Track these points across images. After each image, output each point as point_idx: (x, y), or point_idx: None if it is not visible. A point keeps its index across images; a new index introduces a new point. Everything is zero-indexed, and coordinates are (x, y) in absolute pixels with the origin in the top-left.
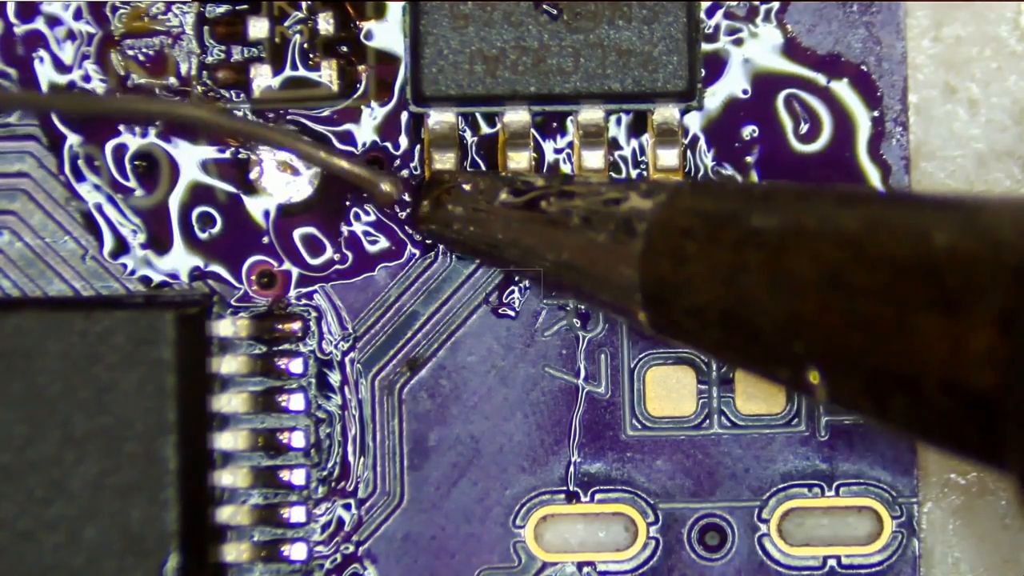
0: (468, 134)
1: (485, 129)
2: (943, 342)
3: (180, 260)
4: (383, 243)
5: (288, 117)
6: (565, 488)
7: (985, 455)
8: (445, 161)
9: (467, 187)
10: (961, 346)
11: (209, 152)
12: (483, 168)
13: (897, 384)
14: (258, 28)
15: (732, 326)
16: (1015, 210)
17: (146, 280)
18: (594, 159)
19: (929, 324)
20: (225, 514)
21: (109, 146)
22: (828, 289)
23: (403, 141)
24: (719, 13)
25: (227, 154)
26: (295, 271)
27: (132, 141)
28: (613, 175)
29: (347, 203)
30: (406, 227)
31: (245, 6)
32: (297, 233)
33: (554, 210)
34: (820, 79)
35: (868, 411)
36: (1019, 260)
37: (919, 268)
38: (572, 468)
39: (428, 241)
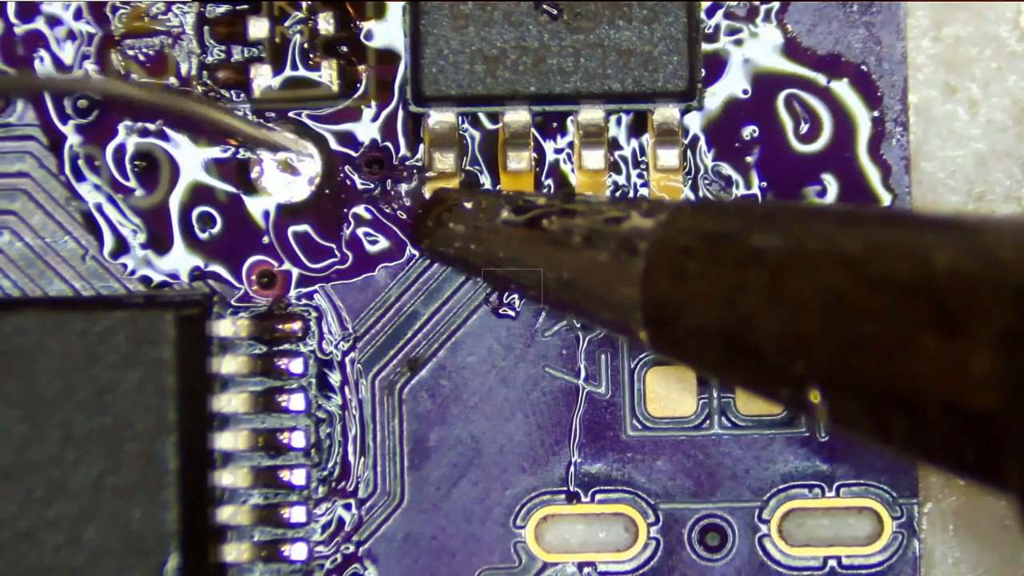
0: (470, 130)
1: (486, 126)
2: (944, 363)
3: (180, 260)
4: (383, 243)
5: (287, 117)
6: (565, 488)
7: (986, 476)
8: (445, 161)
9: (468, 205)
10: (962, 367)
11: (210, 152)
12: (484, 168)
13: (898, 405)
14: (258, 28)
15: (733, 346)
16: (1017, 231)
17: (146, 280)
18: (594, 159)
19: (930, 345)
20: (225, 514)
21: (109, 146)
22: (829, 309)
23: (403, 141)
24: (719, 13)
25: (228, 154)
26: (295, 271)
27: (132, 141)
28: (614, 176)
29: (345, 207)
30: (407, 227)
31: (245, 6)
32: (297, 233)
33: (555, 229)
34: (820, 79)
35: (869, 432)
36: (1021, 281)
37: (920, 289)
38: (572, 468)
39: (431, 258)
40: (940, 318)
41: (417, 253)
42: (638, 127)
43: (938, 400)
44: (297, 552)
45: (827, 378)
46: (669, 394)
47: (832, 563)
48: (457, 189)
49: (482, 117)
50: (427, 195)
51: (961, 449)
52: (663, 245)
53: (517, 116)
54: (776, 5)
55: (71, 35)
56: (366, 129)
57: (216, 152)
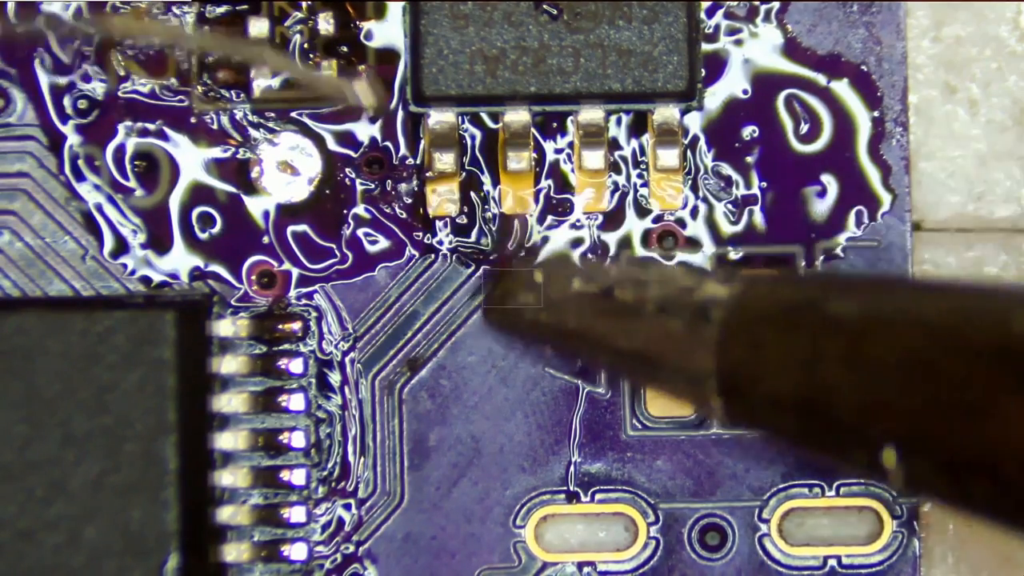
0: (470, 130)
1: (487, 126)
2: None
3: (180, 260)
4: (383, 243)
5: (288, 117)
6: (565, 488)
7: None
8: (445, 161)
9: (538, 277)
10: None
11: (210, 152)
12: (484, 168)
13: (977, 467)
14: (258, 28)
15: (809, 413)
16: None
17: (146, 280)
18: (594, 159)
19: (1010, 407)
20: (225, 514)
21: (109, 146)
22: (908, 375)
23: (403, 141)
24: (719, 13)
25: (227, 154)
26: (295, 271)
27: (132, 141)
28: (614, 176)
29: (345, 206)
30: (407, 227)
31: (245, 6)
32: (297, 233)
33: (628, 298)
34: (820, 79)
35: (947, 495)
36: None
37: (1000, 353)
38: (572, 468)
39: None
40: (1020, 381)
41: (417, 253)
42: (638, 127)
43: (1018, 463)
44: (297, 552)
45: (903, 441)
46: None
47: (832, 563)
48: (525, 259)
49: (483, 116)
50: (496, 267)
51: None
52: (739, 313)
53: (517, 116)
54: (776, 5)
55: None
56: (366, 129)
57: (216, 152)
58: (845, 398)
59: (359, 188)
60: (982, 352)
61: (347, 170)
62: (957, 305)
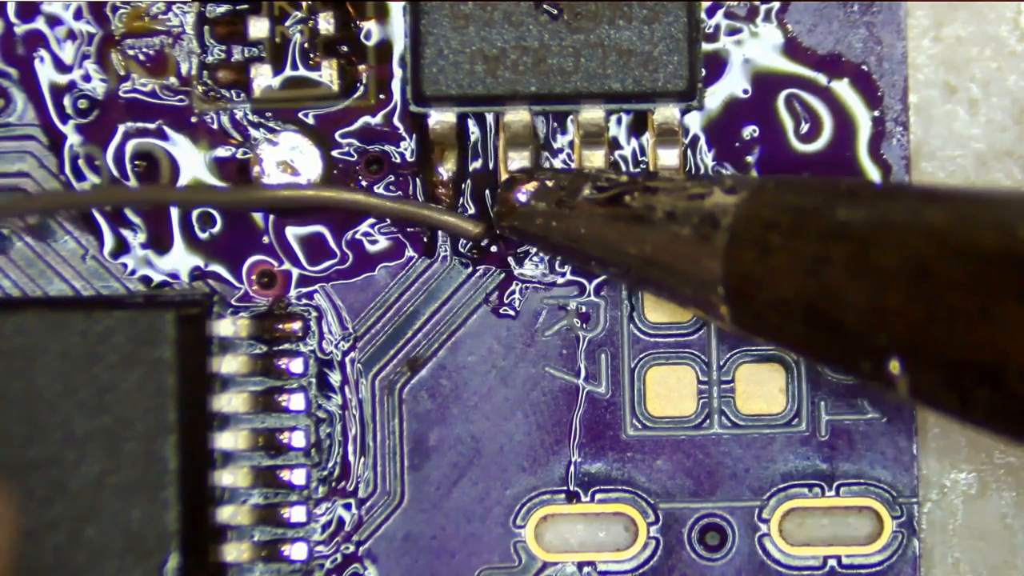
0: (471, 130)
1: (487, 126)
2: None
3: (180, 260)
4: (383, 243)
5: (288, 116)
6: (565, 488)
7: None
8: (446, 160)
9: (550, 183)
10: None
11: (210, 152)
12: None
13: (980, 375)
14: (258, 28)
15: (815, 319)
16: None
17: (146, 280)
18: (594, 159)
19: (1013, 313)
20: (225, 514)
21: (110, 146)
22: (913, 281)
23: (403, 141)
24: (719, 13)
25: (228, 153)
26: (295, 271)
27: (132, 141)
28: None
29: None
30: (406, 227)
31: (245, 6)
32: (297, 233)
33: (638, 205)
34: (821, 79)
35: (950, 404)
36: None
37: (1005, 259)
38: (572, 468)
39: (511, 237)
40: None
41: (417, 254)
42: (638, 127)
43: (1020, 369)
44: (297, 552)
45: (908, 349)
46: (669, 393)
47: (832, 563)
48: (538, 168)
49: (486, 116)
50: (506, 176)
51: None
52: (746, 219)
53: (517, 116)
54: (776, 5)
55: (71, 35)
56: (366, 129)
57: (216, 152)
58: (851, 304)
59: (359, 188)
60: (987, 258)
61: (347, 170)
62: (963, 211)
